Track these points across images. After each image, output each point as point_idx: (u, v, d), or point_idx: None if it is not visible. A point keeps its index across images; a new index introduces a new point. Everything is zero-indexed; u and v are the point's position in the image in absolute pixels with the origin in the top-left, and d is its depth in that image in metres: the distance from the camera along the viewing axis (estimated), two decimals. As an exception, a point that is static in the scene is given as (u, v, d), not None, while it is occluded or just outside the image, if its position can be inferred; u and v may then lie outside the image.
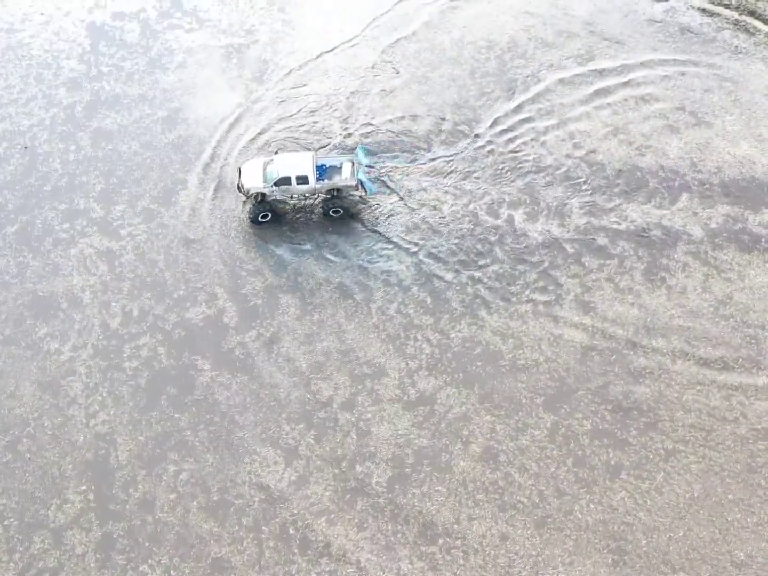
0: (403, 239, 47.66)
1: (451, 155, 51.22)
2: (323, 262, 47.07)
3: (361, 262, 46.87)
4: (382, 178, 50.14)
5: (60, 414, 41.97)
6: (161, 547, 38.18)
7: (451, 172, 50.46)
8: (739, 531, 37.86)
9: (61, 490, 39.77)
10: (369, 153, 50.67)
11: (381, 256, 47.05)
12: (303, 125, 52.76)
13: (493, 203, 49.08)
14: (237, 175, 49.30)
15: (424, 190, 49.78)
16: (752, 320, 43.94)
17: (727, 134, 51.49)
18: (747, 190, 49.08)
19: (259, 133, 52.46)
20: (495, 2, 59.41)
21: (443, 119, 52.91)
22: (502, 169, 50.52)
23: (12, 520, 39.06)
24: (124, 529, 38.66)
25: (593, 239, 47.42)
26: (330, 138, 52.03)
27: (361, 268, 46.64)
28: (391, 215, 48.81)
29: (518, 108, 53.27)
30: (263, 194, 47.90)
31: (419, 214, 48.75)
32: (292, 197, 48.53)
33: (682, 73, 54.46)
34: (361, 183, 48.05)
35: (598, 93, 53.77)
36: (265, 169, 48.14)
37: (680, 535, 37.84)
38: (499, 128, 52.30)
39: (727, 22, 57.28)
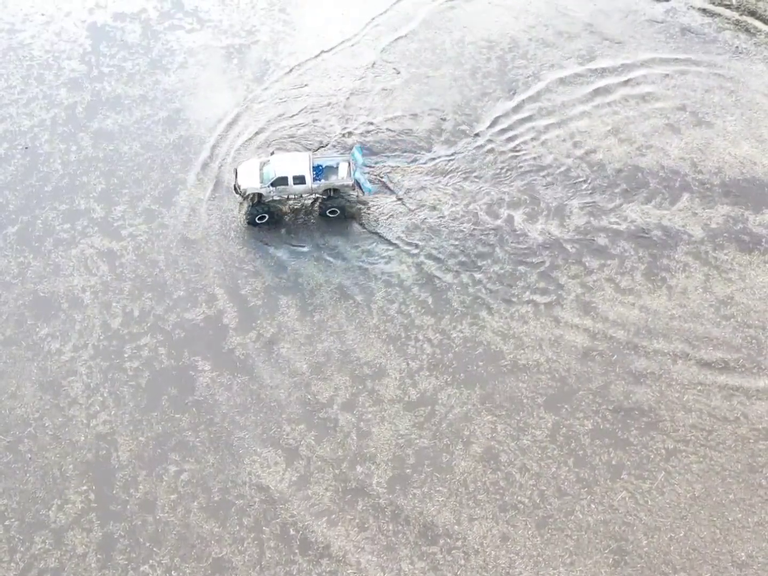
0: (404, 240, 47.66)
1: (452, 154, 51.24)
2: (323, 263, 47.06)
3: (361, 264, 46.86)
4: (382, 179, 50.16)
5: (61, 414, 41.99)
6: (162, 547, 38.18)
7: (451, 171, 50.48)
8: (740, 531, 37.86)
9: (62, 490, 39.77)
10: (365, 152, 50.64)
11: (381, 257, 47.05)
12: (303, 125, 52.80)
13: (493, 203, 49.08)
14: (233, 176, 49.35)
15: (424, 190, 49.79)
16: (753, 320, 43.94)
17: (727, 134, 51.49)
18: (747, 190, 49.09)
19: (257, 133, 52.48)
20: (495, 2, 59.45)
21: (444, 119, 52.92)
22: (503, 168, 50.53)
23: (13, 520, 39.07)
24: (125, 529, 38.66)
25: (593, 239, 47.42)
26: (330, 137, 52.07)
27: (362, 269, 46.63)
28: (392, 216, 48.82)
29: (519, 107, 53.29)
30: (260, 195, 47.88)
31: (419, 215, 48.75)
32: (288, 198, 48.52)
33: (683, 73, 54.48)
34: (358, 183, 48.04)
35: (599, 92, 53.81)
36: (261, 169, 48.13)
37: (681, 535, 37.84)
38: (499, 127, 52.32)
39: (728, 23, 57.30)
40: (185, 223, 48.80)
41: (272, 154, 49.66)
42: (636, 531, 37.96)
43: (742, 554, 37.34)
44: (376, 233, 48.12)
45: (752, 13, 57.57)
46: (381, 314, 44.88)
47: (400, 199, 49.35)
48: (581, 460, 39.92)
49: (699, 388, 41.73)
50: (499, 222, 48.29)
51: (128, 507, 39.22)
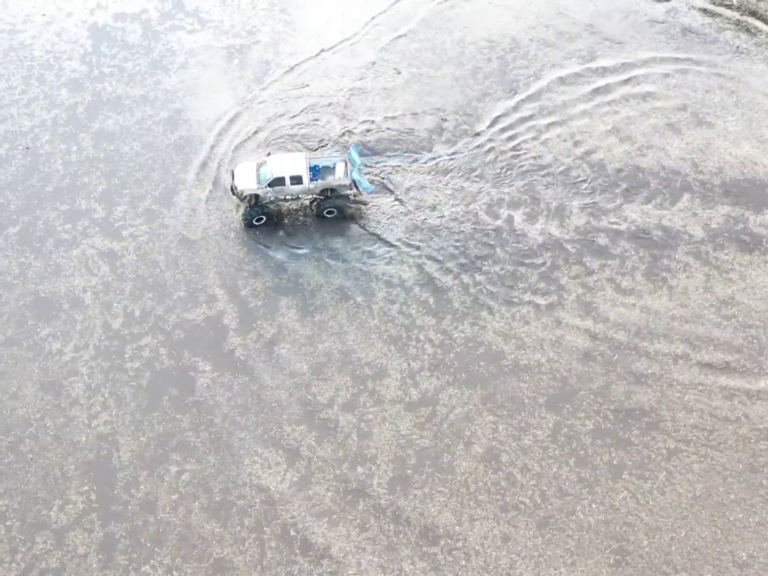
0: (404, 241, 47.65)
1: (452, 154, 51.24)
2: (323, 264, 47.06)
3: (361, 264, 46.86)
4: (382, 179, 50.15)
5: (62, 415, 42.00)
6: (163, 547, 38.19)
7: (451, 171, 50.48)
8: (741, 531, 37.86)
9: (63, 490, 39.78)
10: (365, 152, 50.65)
11: (382, 258, 47.04)
12: (304, 124, 52.81)
13: (493, 204, 49.08)
14: (230, 177, 49.37)
15: (425, 190, 49.79)
16: (754, 321, 43.94)
17: (728, 135, 51.49)
18: (748, 190, 49.09)
19: (255, 132, 52.49)
20: (495, 2, 59.47)
21: (445, 119, 52.93)
22: (503, 168, 50.54)
23: (14, 520, 39.07)
24: (126, 529, 38.67)
25: (594, 240, 47.42)
26: (330, 137, 52.08)
27: (362, 270, 46.63)
28: (392, 216, 48.82)
29: (519, 107, 53.30)
30: (257, 196, 47.84)
31: (419, 216, 48.75)
32: (285, 198, 48.49)
33: (684, 73, 54.49)
34: (355, 182, 48.03)
35: (599, 92, 53.82)
36: (258, 170, 48.13)
37: (682, 535, 37.83)
38: (499, 126, 52.33)
39: (729, 23, 57.30)
40: (185, 224, 48.81)
41: (269, 155, 49.66)
42: (637, 531, 37.96)
43: (743, 554, 37.33)
44: (376, 234, 48.13)
45: (753, 14, 57.57)
46: (382, 315, 44.88)
47: (398, 200, 49.36)
48: (582, 460, 39.92)
49: (700, 388, 41.74)
50: (499, 222, 48.30)
51: (129, 507, 39.23)
